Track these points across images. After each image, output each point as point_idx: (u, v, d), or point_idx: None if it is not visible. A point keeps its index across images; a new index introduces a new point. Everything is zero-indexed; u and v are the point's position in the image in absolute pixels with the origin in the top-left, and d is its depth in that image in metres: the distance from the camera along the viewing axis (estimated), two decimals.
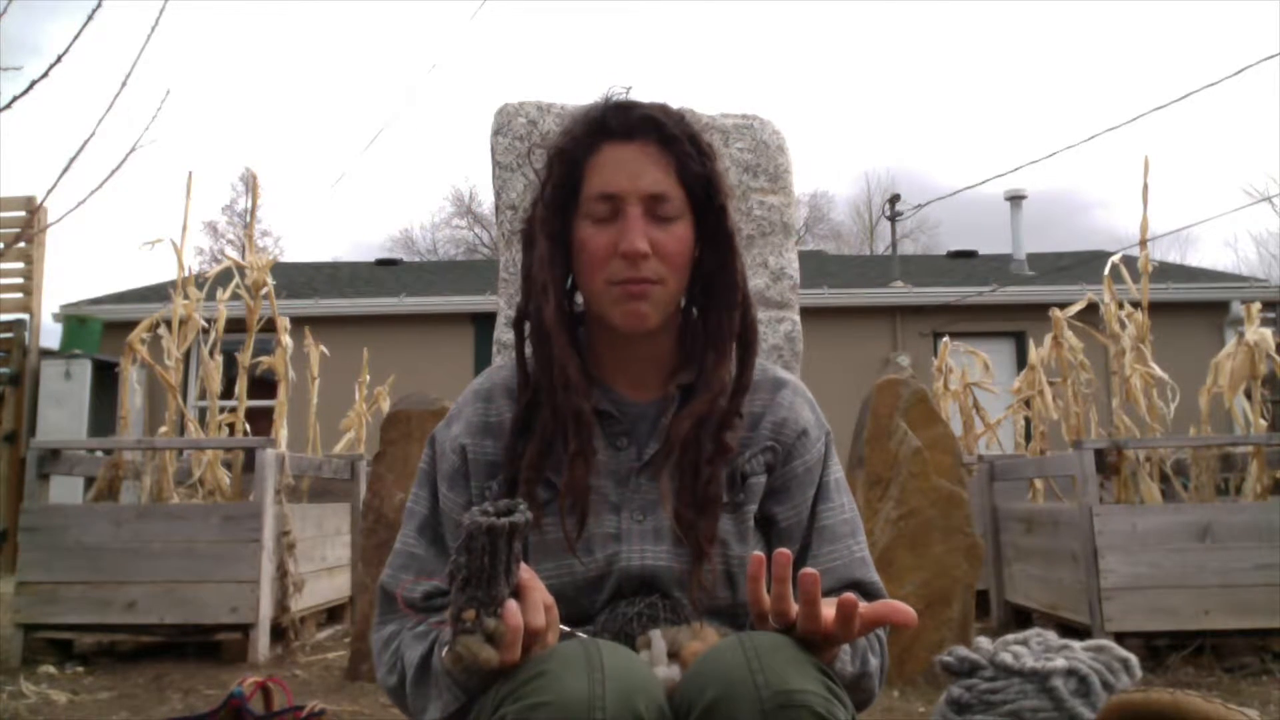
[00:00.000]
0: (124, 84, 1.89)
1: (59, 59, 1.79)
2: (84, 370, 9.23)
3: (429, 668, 1.01)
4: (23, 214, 7.27)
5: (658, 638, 0.99)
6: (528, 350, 1.18)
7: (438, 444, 1.20)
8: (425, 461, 1.20)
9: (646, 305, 1.12)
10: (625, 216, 1.11)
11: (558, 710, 0.84)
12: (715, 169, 1.16)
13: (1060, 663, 1.85)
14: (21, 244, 7.36)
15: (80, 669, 3.83)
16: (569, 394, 1.10)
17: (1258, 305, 4.54)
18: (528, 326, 1.17)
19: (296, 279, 12.73)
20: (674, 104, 1.21)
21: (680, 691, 0.91)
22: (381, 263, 15.70)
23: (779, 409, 1.19)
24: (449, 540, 1.14)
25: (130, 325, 5.00)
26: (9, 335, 7.94)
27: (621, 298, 1.12)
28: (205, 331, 4.81)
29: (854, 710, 0.94)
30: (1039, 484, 5.21)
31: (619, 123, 1.14)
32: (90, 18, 1.85)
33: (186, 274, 4.80)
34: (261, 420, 4.99)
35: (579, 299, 1.21)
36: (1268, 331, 4.41)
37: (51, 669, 3.78)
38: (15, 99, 1.81)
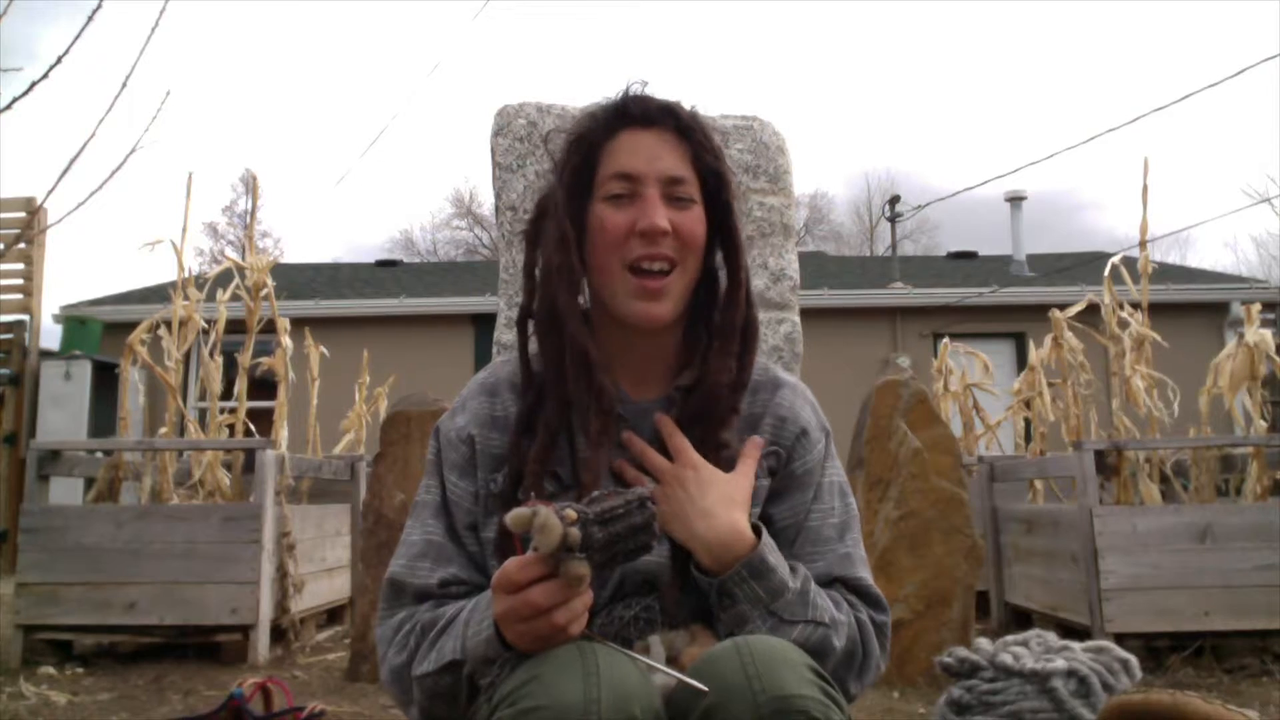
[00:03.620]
0: (124, 85, 1.89)
1: (59, 60, 1.79)
2: (84, 371, 9.23)
3: (454, 621, 1.03)
4: (23, 215, 7.28)
5: (656, 643, 0.99)
6: (532, 348, 1.17)
7: (443, 435, 1.19)
8: (432, 453, 1.20)
9: (661, 306, 1.12)
10: (643, 197, 1.12)
11: (553, 714, 0.84)
12: (725, 167, 1.18)
13: (1060, 664, 1.85)
14: (22, 245, 7.36)
15: (80, 670, 3.82)
16: (590, 372, 1.09)
17: (1257, 306, 4.55)
18: (531, 324, 1.17)
19: (297, 280, 12.72)
20: (686, 106, 1.23)
21: (676, 698, 0.91)
22: (381, 264, 15.69)
23: (779, 409, 1.18)
24: (459, 528, 1.14)
25: (130, 326, 5.00)
26: (9, 336, 7.94)
27: (638, 293, 1.11)
28: (205, 332, 4.81)
29: (850, 715, 0.94)
30: (1039, 485, 5.21)
31: (639, 110, 1.16)
32: (90, 19, 1.85)
33: (187, 275, 4.80)
34: (262, 421, 4.99)
35: (583, 300, 1.20)
36: (1268, 332, 4.41)
37: (51, 670, 3.78)
38: (15, 100, 1.81)
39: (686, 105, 1.20)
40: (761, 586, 1.02)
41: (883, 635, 1.12)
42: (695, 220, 1.14)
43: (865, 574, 1.15)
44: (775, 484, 1.16)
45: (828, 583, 1.12)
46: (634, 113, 1.16)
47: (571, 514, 0.87)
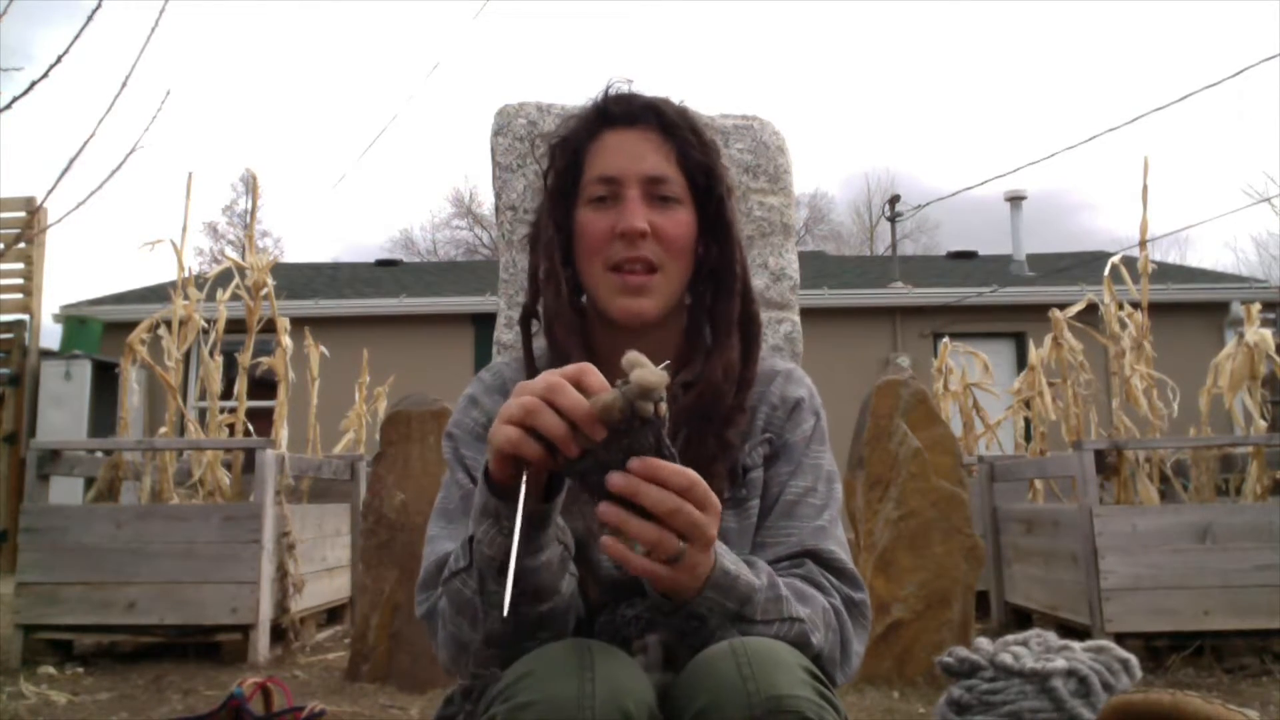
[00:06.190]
0: (124, 85, 1.89)
1: (59, 59, 1.79)
2: (84, 371, 9.23)
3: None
4: (23, 214, 7.28)
5: (654, 643, 0.99)
6: (538, 347, 1.17)
7: (458, 431, 1.16)
8: (449, 453, 1.17)
9: (645, 301, 1.11)
10: (624, 199, 1.11)
11: (546, 710, 0.83)
12: (716, 160, 1.16)
13: (1060, 663, 1.85)
14: (21, 244, 7.36)
15: (80, 670, 3.83)
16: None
17: (1257, 306, 4.55)
18: (534, 323, 1.17)
19: (296, 280, 12.72)
20: (674, 101, 1.21)
21: (671, 697, 0.91)
22: (381, 263, 15.70)
23: (770, 396, 1.17)
24: None
25: (130, 326, 5.00)
26: (9, 336, 7.95)
27: (620, 289, 1.11)
28: (205, 332, 4.81)
29: (846, 714, 0.93)
30: (1039, 485, 5.22)
31: (620, 110, 1.15)
32: (90, 18, 1.85)
33: (187, 275, 4.80)
34: (261, 421, 4.99)
35: (584, 300, 1.21)
36: (1268, 332, 4.41)
37: (51, 670, 3.78)
38: (15, 99, 1.81)
39: (675, 101, 1.18)
40: (729, 598, 0.94)
41: (862, 615, 1.07)
42: (678, 221, 1.12)
43: (839, 550, 1.10)
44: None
45: (799, 554, 1.08)
46: (616, 113, 1.15)
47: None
